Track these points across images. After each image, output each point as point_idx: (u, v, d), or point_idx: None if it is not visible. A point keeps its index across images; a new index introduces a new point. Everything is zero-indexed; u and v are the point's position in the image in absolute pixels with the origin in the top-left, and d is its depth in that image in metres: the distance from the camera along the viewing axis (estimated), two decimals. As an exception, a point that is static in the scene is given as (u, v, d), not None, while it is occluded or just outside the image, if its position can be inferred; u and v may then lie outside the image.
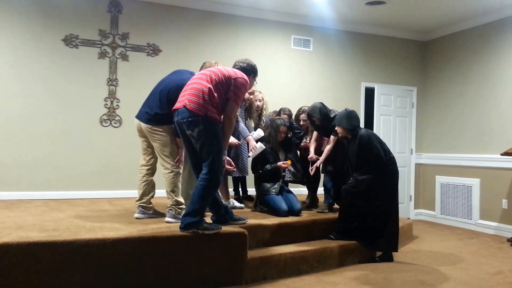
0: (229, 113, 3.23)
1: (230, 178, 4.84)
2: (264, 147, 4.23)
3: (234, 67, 3.54)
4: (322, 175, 4.85)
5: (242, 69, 3.47)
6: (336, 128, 4.16)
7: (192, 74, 3.69)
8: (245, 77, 3.33)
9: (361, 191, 3.96)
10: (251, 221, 3.75)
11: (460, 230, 5.88)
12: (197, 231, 3.11)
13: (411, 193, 6.88)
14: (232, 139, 4.05)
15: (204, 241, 3.16)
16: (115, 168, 5.25)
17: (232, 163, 3.86)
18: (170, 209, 3.58)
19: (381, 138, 6.31)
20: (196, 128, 3.09)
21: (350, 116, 4.08)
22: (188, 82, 3.29)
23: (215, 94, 3.15)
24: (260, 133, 4.40)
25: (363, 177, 3.95)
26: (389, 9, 5.82)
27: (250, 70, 3.52)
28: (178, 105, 3.18)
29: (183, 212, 3.53)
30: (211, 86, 3.14)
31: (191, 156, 3.33)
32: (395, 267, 3.89)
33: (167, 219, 3.59)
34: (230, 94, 3.21)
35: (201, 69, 3.84)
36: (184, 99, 3.14)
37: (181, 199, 3.61)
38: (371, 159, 3.95)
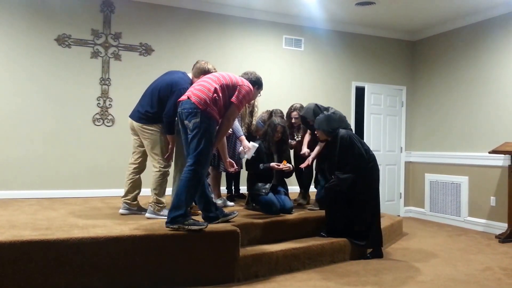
0: (229, 116, 3.40)
1: (222, 177, 4.87)
2: (257, 145, 4.25)
3: (241, 76, 3.71)
4: (314, 173, 4.91)
5: (248, 80, 3.66)
6: (315, 132, 4.25)
7: (184, 74, 3.77)
8: (251, 86, 3.51)
9: (344, 189, 4.02)
10: (243, 219, 3.79)
11: (449, 227, 5.96)
12: (183, 227, 3.15)
13: (401, 191, 6.96)
14: None
15: (196, 239, 3.19)
16: (108, 167, 5.25)
17: (235, 164, 3.93)
18: (150, 205, 3.71)
19: (371, 136, 6.53)
20: (193, 119, 3.20)
21: (330, 119, 4.17)
22: (198, 81, 3.45)
23: (220, 95, 3.29)
24: (255, 145, 4.44)
25: (346, 175, 4.01)
26: (378, 9, 5.88)
27: (255, 82, 3.78)
28: (183, 97, 3.32)
29: (164, 210, 3.63)
30: (217, 87, 3.29)
31: (187, 147, 3.38)
32: (386, 264, 3.95)
33: (147, 214, 3.71)
34: (234, 99, 3.37)
35: (193, 68, 3.86)
36: (189, 92, 3.29)
37: (162, 199, 3.71)
38: (353, 159, 4.02)
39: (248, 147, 4.19)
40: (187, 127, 3.26)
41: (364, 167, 4.04)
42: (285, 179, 4.63)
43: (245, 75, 3.80)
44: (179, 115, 3.34)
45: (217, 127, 3.40)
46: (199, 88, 3.28)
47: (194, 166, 3.19)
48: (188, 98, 3.25)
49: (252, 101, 4.85)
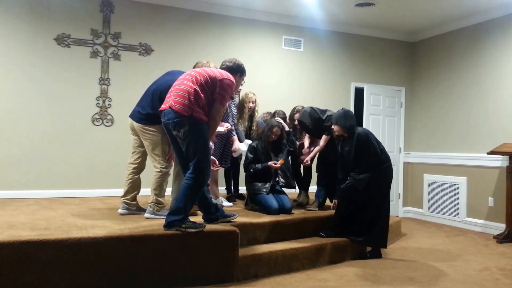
0: (214, 114, 3.26)
1: (221, 177, 4.87)
2: (245, 149, 4.37)
3: (221, 67, 3.58)
4: (313, 174, 4.92)
5: (229, 68, 3.51)
6: (333, 127, 4.19)
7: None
8: (231, 78, 3.35)
9: (360, 189, 4.00)
10: (243, 220, 3.78)
11: (448, 228, 5.98)
12: (180, 230, 3.13)
13: (399, 191, 6.97)
14: (220, 128, 4.08)
15: (196, 239, 3.18)
16: (107, 167, 5.25)
17: (217, 162, 3.90)
18: (150, 205, 3.69)
19: (371, 137, 6.49)
20: (181, 128, 3.11)
21: (347, 115, 4.15)
22: (174, 83, 3.30)
23: (201, 95, 3.16)
24: (248, 142, 4.49)
25: (362, 176, 3.99)
26: (378, 10, 5.89)
27: (237, 69, 3.58)
28: (164, 106, 3.21)
29: (164, 210, 3.61)
30: (196, 87, 3.15)
31: (178, 155, 3.36)
32: (384, 264, 3.96)
33: (146, 214, 3.69)
34: (216, 96, 3.23)
35: (194, 67, 3.89)
36: (169, 100, 3.16)
37: (162, 199, 3.69)
38: (368, 158, 4.01)
39: (236, 149, 4.28)
40: (177, 137, 3.19)
41: (378, 167, 4.02)
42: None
43: (225, 63, 3.60)
44: (164, 125, 3.25)
45: None
46: (178, 94, 3.15)
47: (195, 174, 3.14)
48: (170, 107, 3.12)
49: (253, 105, 4.84)
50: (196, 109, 3.12)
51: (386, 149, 6.70)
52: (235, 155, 4.38)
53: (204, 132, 3.19)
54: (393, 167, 6.75)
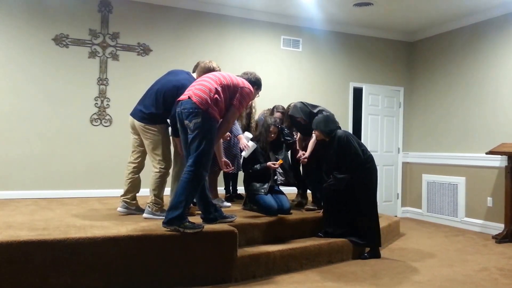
0: (229, 118, 3.38)
1: (220, 177, 4.87)
2: (256, 145, 4.28)
3: (241, 77, 3.68)
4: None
5: (248, 80, 3.63)
6: (313, 132, 4.24)
7: (188, 74, 3.76)
8: (251, 88, 3.49)
9: (341, 189, 4.05)
10: (241, 220, 3.79)
11: (446, 228, 5.98)
12: (179, 229, 3.13)
13: (398, 191, 6.98)
14: None
15: (194, 239, 3.18)
16: (105, 167, 5.25)
17: (230, 164, 3.91)
18: (149, 205, 3.69)
19: (368, 137, 6.55)
20: (194, 119, 3.16)
21: (327, 120, 4.19)
22: (197, 80, 3.41)
23: (222, 96, 3.26)
24: (248, 135, 4.45)
25: (342, 175, 4.04)
26: (376, 10, 5.89)
27: (255, 83, 3.76)
28: (183, 96, 3.28)
29: (162, 210, 3.62)
30: (218, 88, 3.25)
31: (186, 147, 3.38)
32: (383, 264, 3.96)
33: (144, 214, 3.70)
34: (235, 101, 3.34)
35: (194, 68, 3.89)
36: (190, 92, 3.24)
37: (160, 200, 3.70)
38: (350, 159, 4.04)
39: (247, 145, 4.20)
40: (187, 127, 3.23)
41: (361, 168, 4.06)
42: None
43: (245, 75, 3.76)
44: (178, 115, 3.30)
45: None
46: (200, 88, 3.23)
47: (194, 167, 3.16)
48: (189, 98, 3.20)
49: (250, 102, 4.85)
50: (212, 106, 3.20)
51: (385, 149, 6.84)
52: (245, 154, 4.24)
53: (213, 129, 3.26)
54: (391, 167, 6.92)
